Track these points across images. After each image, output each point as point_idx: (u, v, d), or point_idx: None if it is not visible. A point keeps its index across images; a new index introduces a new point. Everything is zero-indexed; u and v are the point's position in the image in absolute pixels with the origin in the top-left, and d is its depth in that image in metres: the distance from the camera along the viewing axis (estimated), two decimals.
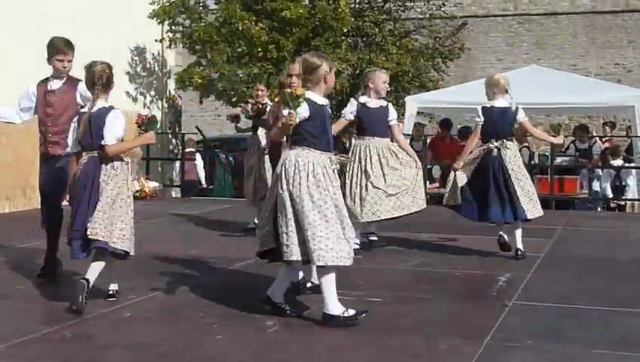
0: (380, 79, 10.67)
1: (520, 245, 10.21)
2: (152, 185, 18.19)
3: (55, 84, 8.71)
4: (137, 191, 16.58)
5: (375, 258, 10.01)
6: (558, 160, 18.71)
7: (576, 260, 10.29)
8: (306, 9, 20.77)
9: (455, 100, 19.44)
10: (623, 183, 18.28)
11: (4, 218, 14.62)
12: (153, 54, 21.82)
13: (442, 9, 25.23)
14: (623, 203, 18.47)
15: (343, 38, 21.79)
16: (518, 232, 10.28)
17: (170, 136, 21.82)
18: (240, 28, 19.93)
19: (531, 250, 10.51)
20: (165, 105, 22.11)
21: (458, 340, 6.49)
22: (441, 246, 11.07)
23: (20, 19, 15.62)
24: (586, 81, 22.74)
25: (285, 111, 6.90)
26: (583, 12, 30.29)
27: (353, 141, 10.82)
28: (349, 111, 10.63)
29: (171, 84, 22.14)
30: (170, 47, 21.60)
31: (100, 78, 7.57)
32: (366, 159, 10.37)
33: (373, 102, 10.55)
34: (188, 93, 21.53)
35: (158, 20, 20.65)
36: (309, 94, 6.99)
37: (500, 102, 10.37)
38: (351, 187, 10.34)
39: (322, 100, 7.13)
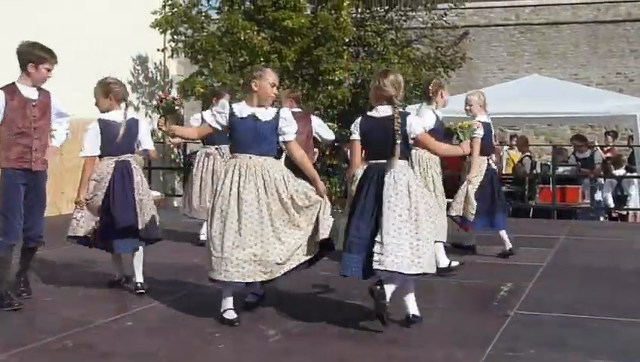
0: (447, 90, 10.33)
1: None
2: (154, 194, 18.17)
3: (32, 94, 8.12)
4: None
5: None
6: (560, 169, 18.73)
7: (579, 270, 10.28)
8: (308, 19, 20.75)
9: (456, 110, 19.42)
10: (625, 193, 18.29)
11: None
12: (155, 64, 21.83)
13: (444, 19, 25.24)
14: (624, 212, 18.47)
15: (345, 47, 21.76)
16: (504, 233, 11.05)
17: (171, 145, 21.80)
18: (242, 38, 19.91)
19: (533, 259, 10.52)
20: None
21: (460, 350, 6.49)
22: None
23: (20, 24, 15.64)
24: (587, 90, 22.74)
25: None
26: (585, 22, 30.27)
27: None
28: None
29: (173, 94, 22.15)
30: (172, 56, 21.60)
31: (126, 91, 8.65)
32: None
33: (440, 115, 9.93)
34: (190, 103, 21.51)
35: (161, 30, 20.66)
36: None
37: (486, 117, 10.73)
38: None
39: None
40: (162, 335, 6.97)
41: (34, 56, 8.09)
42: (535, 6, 30.87)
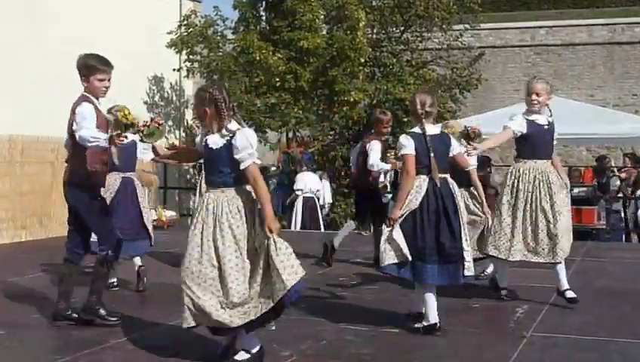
0: None
1: None
2: (169, 214, 18.18)
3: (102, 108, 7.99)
4: (155, 221, 16.58)
5: (392, 288, 9.95)
6: (576, 190, 18.67)
7: (595, 291, 10.22)
8: (324, 39, 20.81)
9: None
10: None
11: (20, 246, 14.63)
12: (171, 83, 21.90)
13: (460, 40, 25.24)
14: None
15: (361, 68, 21.81)
16: None
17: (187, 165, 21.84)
18: (257, 58, 19.98)
19: (549, 281, 10.46)
20: (183, 134, 22.14)
21: None
22: None
23: (36, 44, 15.76)
24: (604, 111, 22.69)
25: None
26: (601, 43, 30.23)
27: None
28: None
29: (189, 114, 22.20)
30: (187, 76, 21.66)
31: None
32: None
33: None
34: None
35: (176, 50, 20.73)
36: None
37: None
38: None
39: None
40: (175, 356, 6.94)
41: (83, 69, 7.77)
42: (551, 27, 30.85)
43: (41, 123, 14.86)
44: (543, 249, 8.84)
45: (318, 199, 18.63)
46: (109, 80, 7.79)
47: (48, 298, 8.86)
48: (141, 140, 7.95)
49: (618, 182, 19.17)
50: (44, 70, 16.05)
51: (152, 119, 7.66)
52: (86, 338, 7.41)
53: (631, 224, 18.25)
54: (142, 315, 8.35)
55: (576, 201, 18.07)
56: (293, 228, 18.14)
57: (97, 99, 7.78)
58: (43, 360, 6.71)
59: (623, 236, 18.37)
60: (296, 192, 18.52)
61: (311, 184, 18.61)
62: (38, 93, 15.74)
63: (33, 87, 15.99)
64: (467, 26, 25.37)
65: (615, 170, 20.24)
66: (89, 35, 16.87)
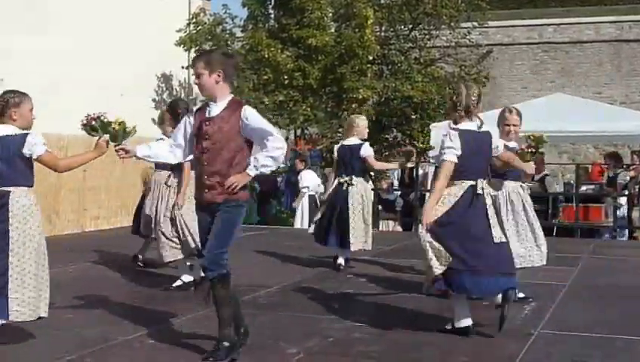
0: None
1: None
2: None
3: (215, 110, 6.93)
4: None
5: (399, 286, 9.98)
6: (583, 188, 18.68)
7: (602, 289, 10.24)
8: (332, 37, 20.85)
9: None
10: None
11: None
12: (179, 81, 21.92)
13: (467, 37, 25.25)
14: None
15: (369, 65, 21.83)
16: None
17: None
18: (266, 55, 20.02)
19: (557, 278, 10.48)
20: None
21: None
22: None
23: (50, 46, 15.80)
24: (611, 109, 22.70)
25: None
26: (608, 40, 30.23)
27: None
28: None
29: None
30: None
31: None
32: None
33: None
34: None
35: (185, 48, 20.76)
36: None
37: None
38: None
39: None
40: (183, 353, 6.96)
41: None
42: (558, 25, 30.86)
43: (42, 122, 14.90)
44: None
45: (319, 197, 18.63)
46: (196, 76, 6.97)
47: (53, 296, 8.88)
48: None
49: (627, 178, 19.17)
50: (45, 70, 16.08)
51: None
52: (91, 336, 7.42)
53: (638, 222, 18.23)
54: (146, 314, 8.37)
55: (583, 199, 18.10)
56: (299, 226, 18.14)
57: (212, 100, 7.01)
58: (48, 359, 6.73)
59: (627, 233, 18.34)
60: (303, 190, 18.56)
61: (314, 182, 18.69)
62: (40, 92, 15.76)
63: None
64: (475, 23, 25.37)
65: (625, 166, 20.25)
66: (90, 34, 16.91)
